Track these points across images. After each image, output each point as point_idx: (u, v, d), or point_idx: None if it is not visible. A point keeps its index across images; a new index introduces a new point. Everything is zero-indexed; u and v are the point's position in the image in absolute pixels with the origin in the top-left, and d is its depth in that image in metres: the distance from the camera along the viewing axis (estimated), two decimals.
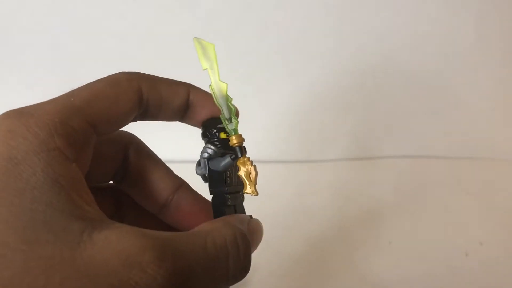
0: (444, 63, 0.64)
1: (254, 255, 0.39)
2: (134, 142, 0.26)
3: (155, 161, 0.26)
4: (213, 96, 0.24)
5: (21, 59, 0.61)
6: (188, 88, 0.25)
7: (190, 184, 0.27)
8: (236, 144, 0.23)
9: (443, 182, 0.63)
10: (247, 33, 0.60)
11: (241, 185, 0.24)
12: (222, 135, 0.24)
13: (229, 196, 0.24)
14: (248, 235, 0.21)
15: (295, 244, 0.51)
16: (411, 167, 0.67)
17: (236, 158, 0.23)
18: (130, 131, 0.26)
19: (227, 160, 0.23)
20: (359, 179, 0.63)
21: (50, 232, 0.16)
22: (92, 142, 0.20)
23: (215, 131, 0.24)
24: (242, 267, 0.20)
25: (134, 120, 0.23)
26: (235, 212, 0.24)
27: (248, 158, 0.23)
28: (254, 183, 0.23)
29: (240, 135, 0.23)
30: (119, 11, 0.58)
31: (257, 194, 0.23)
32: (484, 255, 0.49)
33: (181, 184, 0.26)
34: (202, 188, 0.26)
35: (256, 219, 0.24)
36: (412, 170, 0.66)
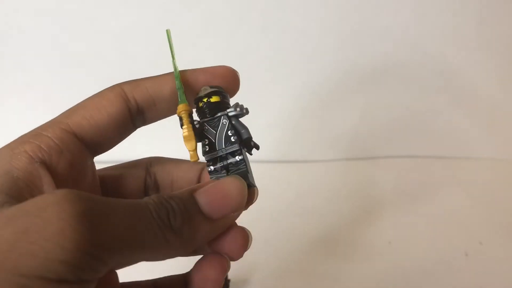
0: (444, 63, 0.64)
1: (254, 255, 0.39)
2: (154, 161, 0.26)
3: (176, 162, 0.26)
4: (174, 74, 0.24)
5: (21, 59, 0.61)
6: (171, 75, 0.25)
7: None
8: (182, 113, 0.23)
9: (443, 182, 0.63)
10: (247, 33, 0.60)
11: (230, 146, 0.23)
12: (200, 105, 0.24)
13: (209, 164, 0.24)
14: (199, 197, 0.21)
15: (295, 244, 0.51)
16: (411, 167, 0.67)
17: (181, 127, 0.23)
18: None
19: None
20: (359, 179, 0.63)
21: None
22: (74, 146, 0.22)
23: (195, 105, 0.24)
24: (171, 212, 0.19)
25: (137, 126, 0.24)
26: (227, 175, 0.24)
27: (190, 122, 0.23)
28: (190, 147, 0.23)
29: (186, 104, 0.23)
30: (119, 11, 0.58)
31: (195, 159, 0.23)
32: (484, 255, 0.49)
33: (203, 167, 0.26)
34: None
35: (214, 183, 0.22)
36: (412, 170, 0.66)
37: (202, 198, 0.21)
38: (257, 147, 0.25)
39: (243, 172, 0.24)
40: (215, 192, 0.21)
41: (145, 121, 0.24)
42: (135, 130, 0.25)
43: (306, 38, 0.61)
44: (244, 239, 0.24)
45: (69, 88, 0.63)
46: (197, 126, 0.24)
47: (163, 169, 0.26)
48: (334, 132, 0.68)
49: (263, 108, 0.65)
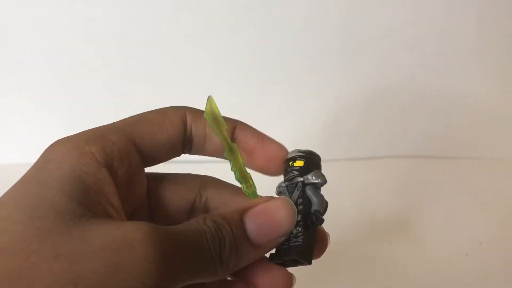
0: (444, 63, 0.64)
1: None
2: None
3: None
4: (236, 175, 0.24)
5: (21, 59, 0.61)
6: (235, 124, 0.25)
7: None
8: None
9: (443, 182, 0.63)
10: (247, 34, 0.60)
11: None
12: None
13: None
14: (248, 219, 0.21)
15: None
16: (411, 167, 0.67)
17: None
18: None
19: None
20: (359, 179, 0.63)
21: (53, 211, 0.17)
22: (133, 156, 0.22)
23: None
24: (223, 243, 0.20)
25: (183, 152, 0.24)
26: None
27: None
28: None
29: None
30: (119, 11, 0.58)
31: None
32: (484, 255, 0.49)
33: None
34: None
35: (271, 202, 0.22)
36: (412, 170, 0.66)
37: (251, 223, 0.21)
38: (320, 222, 0.24)
39: (297, 246, 0.22)
40: (265, 217, 0.21)
41: (189, 151, 0.25)
42: (179, 156, 0.25)
43: (306, 38, 0.61)
44: (287, 285, 0.23)
45: (69, 88, 0.63)
46: (279, 189, 0.24)
47: (218, 196, 0.25)
48: (334, 132, 0.68)
49: (262, 109, 0.65)
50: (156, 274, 0.17)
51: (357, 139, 0.68)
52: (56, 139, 0.21)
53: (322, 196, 0.24)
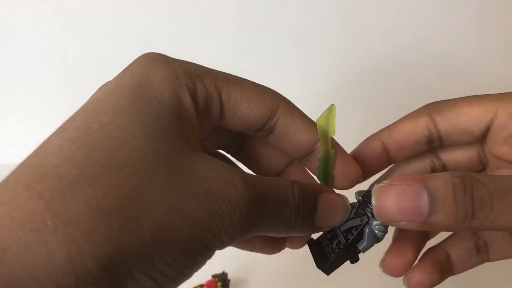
0: (444, 63, 0.64)
1: (254, 255, 0.39)
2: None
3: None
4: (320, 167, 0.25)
5: (21, 59, 0.61)
6: (279, 102, 0.24)
7: None
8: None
9: None
10: (247, 33, 0.60)
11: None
12: None
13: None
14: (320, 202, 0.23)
15: None
16: None
17: None
18: None
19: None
20: None
21: (166, 136, 0.18)
22: (215, 110, 0.22)
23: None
24: (300, 221, 0.22)
25: (260, 134, 0.24)
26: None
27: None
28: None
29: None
30: (119, 11, 0.59)
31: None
32: None
33: (293, 161, 0.26)
34: None
35: (339, 197, 0.24)
36: None
37: (320, 208, 0.22)
38: (354, 261, 0.27)
39: (328, 259, 0.26)
40: (331, 208, 0.23)
41: (266, 138, 0.24)
42: (253, 134, 0.24)
43: (306, 38, 0.61)
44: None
45: (69, 88, 0.63)
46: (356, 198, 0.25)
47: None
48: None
49: None
50: (246, 224, 0.19)
51: (357, 139, 0.68)
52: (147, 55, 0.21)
53: (371, 245, 0.26)
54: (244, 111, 0.22)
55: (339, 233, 0.25)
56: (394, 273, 0.28)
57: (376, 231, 0.24)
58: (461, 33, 0.62)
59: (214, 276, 0.44)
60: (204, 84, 0.21)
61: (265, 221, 0.20)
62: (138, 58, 0.21)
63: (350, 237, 0.24)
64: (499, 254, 0.26)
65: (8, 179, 0.16)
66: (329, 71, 0.64)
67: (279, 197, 0.20)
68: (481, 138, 0.25)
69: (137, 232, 0.15)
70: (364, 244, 0.25)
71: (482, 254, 0.26)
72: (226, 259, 0.50)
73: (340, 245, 0.25)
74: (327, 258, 0.26)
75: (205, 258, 0.18)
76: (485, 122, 0.24)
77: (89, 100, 0.19)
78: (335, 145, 0.25)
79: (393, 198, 0.20)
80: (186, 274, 0.18)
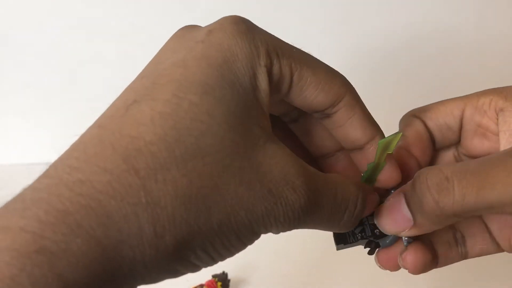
0: (444, 62, 0.64)
1: (254, 255, 0.39)
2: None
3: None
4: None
5: (22, 59, 0.61)
6: (345, 92, 0.24)
7: None
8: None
9: None
10: None
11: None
12: None
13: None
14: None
15: (295, 244, 0.51)
16: None
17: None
18: None
19: None
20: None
21: (241, 125, 0.19)
22: (286, 84, 0.22)
23: None
24: (350, 223, 0.23)
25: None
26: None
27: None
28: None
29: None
30: (119, 11, 0.59)
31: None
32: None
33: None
34: None
35: (376, 197, 0.25)
36: None
37: (378, 216, 0.25)
38: (372, 253, 0.29)
39: (343, 240, 0.29)
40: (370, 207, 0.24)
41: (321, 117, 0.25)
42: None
43: (306, 38, 0.61)
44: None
45: (69, 88, 0.63)
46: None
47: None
48: None
49: None
50: (292, 224, 0.20)
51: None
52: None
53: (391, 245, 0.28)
54: (310, 94, 0.23)
55: (366, 223, 0.27)
56: (389, 267, 0.29)
57: (403, 238, 0.26)
58: (462, 28, 0.62)
59: (214, 276, 0.44)
60: (280, 64, 0.21)
61: (316, 221, 0.22)
62: (224, 21, 0.22)
63: (377, 232, 0.26)
64: (477, 247, 0.27)
65: (104, 144, 0.17)
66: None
67: (339, 203, 0.22)
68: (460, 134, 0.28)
69: (208, 219, 0.18)
70: (387, 242, 0.27)
71: (461, 246, 0.27)
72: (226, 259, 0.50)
73: (363, 233, 0.27)
74: (346, 241, 0.29)
75: (252, 243, 0.20)
76: (458, 116, 0.27)
77: (173, 61, 0.20)
78: (389, 157, 0.25)
79: (385, 214, 0.24)
80: (234, 253, 0.20)
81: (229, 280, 0.44)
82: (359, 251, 0.51)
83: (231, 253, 0.20)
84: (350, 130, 0.24)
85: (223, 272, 0.44)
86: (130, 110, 0.18)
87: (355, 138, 0.25)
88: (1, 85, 0.63)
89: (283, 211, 0.19)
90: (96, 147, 0.17)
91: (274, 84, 0.21)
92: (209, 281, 0.43)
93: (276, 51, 0.21)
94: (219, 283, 0.43)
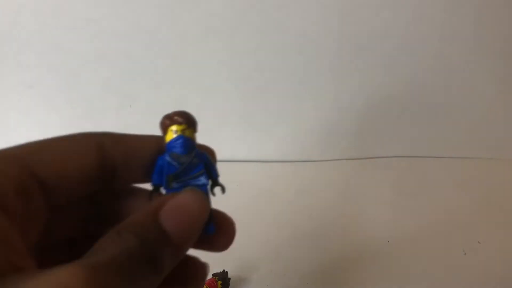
0: (444, 62, 0.64)
1: (254, 255, 0.39)
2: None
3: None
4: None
5: (22, 59, 0.61)
6: (158, 138, 0.21)
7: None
8: None
9: (443, 182, 0.63)
10: (247, 34, 0.60)
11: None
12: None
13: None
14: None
15: (295, 244, 0.52)
16: (411, 167, 0.67)
17: None
18: None
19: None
20: (359, 179, 0.63)
21: None
22: (33, 191, 0.18)
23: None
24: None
25: (106, 186, 0.21)
26: None
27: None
28: None
29: None
30: (119, 11, 0.59)
31: None
32: (482, 254, 0.50)
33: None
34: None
35: (181, 197, 0.19)
36: (412, 170, 0.66)
37: (169, 222, 0.18)
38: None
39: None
40: (180, 212, 0.19)
41: (110, 184, 0.21)
42: (101, 188, 0.21)
43: (306, 38, 0.61)
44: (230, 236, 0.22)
45: (69, 88, 0.63)
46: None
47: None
48: (334, 132, 0.68)
49: (262, 109, 0.66)
50: None
51: (357, 139, 0.68)
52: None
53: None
54: (69, 170, 0.19)
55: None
56: None
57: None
58: (461, 34, 0.62)
59: (214, 275, 0.44)
60: (4, 173, 0.17)
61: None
62: None
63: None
64: None
65: None
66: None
67: (123, 266, 0.16)
68: None
69: None
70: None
71: None
72: (226, 258, 0.50)
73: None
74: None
75: None
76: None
77: None
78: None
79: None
80: None
81: (229, 279, 0.45)
82: (359, 250, 0.51)
83: None
84: (140, 160, 0.21)
85: (224, 271, 0.44)
86: None
87: (150, 154, 0.21)
88: (2, 85, 0.63)
89: None
90: None
91: (18, 196, 0.17)
92: (210, 279, 0.43)
93: None
94: (219, 282, 0.43)
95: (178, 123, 0.21)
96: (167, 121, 0.21)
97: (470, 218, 0.55)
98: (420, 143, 0.69)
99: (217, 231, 0.21)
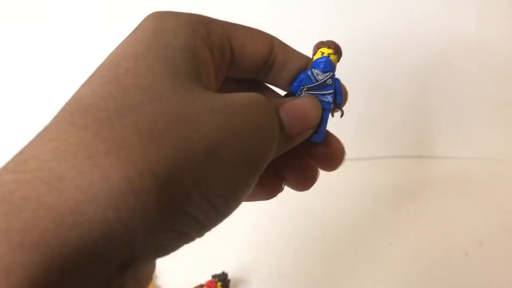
0: (444, 62, 0.64)
1: (254, 255, 0.39)
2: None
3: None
4: None
5: (22, 58, 0.61)
6: (308, 59, 0.26)
7: None
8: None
9: (443, 182, 0.63)
10: None
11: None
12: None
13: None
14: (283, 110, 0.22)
15: (295, 244, 0.51)
16: (411, 167, 0.67)
17: None
18: None
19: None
20: (359, 179, 0.63)
21: (187, 74, 0.18)
22: (227, 52, 0.23)
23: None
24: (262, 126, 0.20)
25: (259, 76, 0.25)
26: None
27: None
28: None
29: None
30: (119, 11, 0.59)
31: None
32: (484, 255, 0.49)
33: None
34: None
35: (301, 100, 0.23)
36: (412, 170, 0.66)
37: (286, 116, 0.22)
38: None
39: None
40: (296, 111, 0.22)
41: (267, 78, 0.26)
42: (255, 77, 0.26)
43: (306, 38, 0.61)
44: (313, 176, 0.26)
45: (69, 88, 0.63)
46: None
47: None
48: (335, 132, 0.68)
49: None
50: (278, 138, 0.20)
51: (357, 139, 0.68)
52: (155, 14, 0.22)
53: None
54: (251, 49, 0.23)
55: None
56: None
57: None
58: (462, 25, 0.62)
59: (214, 276, 0.44)
60: (214, 29, 0.22)
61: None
62: (146, 16, 0.22)
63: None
64: None
65: (48, 124, 0.16)
66: None
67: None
68: None
69: (190, 149, 0.15)
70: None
71: None
72: (226, 259, 0.50)
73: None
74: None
75: (254, 181, 0.18)
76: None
77: (107, 57, 0.19)
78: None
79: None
80: (240, 197, 0.18)
81: (229, 280, 0.44)
82: (359, 251, 0.51)
83: (234, 195, 0.17)
84: (293, 67, 0.25)
85: (223, 272, 0.44)
86: (70, 98, 0.17)
87: (299, 68, 0.25)
88: (1, 85, 0.63)
89: (268, 121, 0.19)
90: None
91: (216, 48, 0.22)
92: (209, 281, 0.43)
93: (207, 20, 0.22)
94: (219, 283, 0.43)
95: (328, 47, 0.26)
96: (320, 44, 0.26)
97: (471, 219, 0.55)
98: (420, 143, 0.69)
99: (325, 142, 0.25)
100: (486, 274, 0.47)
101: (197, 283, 0.43)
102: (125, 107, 0.15)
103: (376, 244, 0.51)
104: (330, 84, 0.25)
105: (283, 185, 0.26)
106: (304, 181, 0.26)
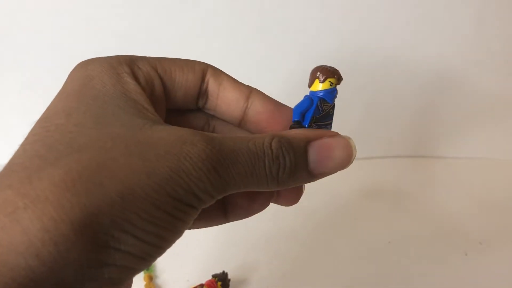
0: (444, 62, 0.64)
1: (254, 255, 0.39)
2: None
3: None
4: None
5: (22, 59, 0.61)
6: (250, 90, 0.26)
7: None
8: None
9: (443, 182, 0.63)
10: (246, 33, 0.60)
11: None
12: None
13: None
14: (313, 146, 0.22)
15: (295, 244, 0.52)
16: (411, 167, 0.67)
17: None
18: None
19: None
20: (359, 179, 0.63)
21: (118, 121, 0.19)
22: (157, 84, 0.23)
23: None
24: (282, 168, 0.21)
25: (198, 104, 0.25)
26: None
27: None
28: None
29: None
30: (119, 11, 0.59)
31: None
32: (484, 255, 0.49)
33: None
34: None
35: (335, 140, 0.23)
36: (412, 170, 0.66)
37: (314, 154, 0.22)
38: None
39: None
40: (328, 152, 0.22)
41: (205, 106, 0.26)
42: (194, 107, 0.26)
43: (306, 38, 0.61)
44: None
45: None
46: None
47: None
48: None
49: None
50: (212, 180, 0.19)
51: (357, 139, 0.68)
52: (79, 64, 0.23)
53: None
54: (181, 79, 0.24)
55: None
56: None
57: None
58: (460, 33, 0.62)
59: (214, 276, 0.44)
60: (138, 66, 0.23)
61: (240, 175, 0.20)
62: (74, 67, 0.23)
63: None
64: None
65: None
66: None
67: (252, 152, 0.20)
68: None
69: (104, 194, 0.16)
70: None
71: None
72: (226, 259, 0.50)
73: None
74: None
75: (187, 215, 0.19)
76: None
77: (43, 112, 0.21)
78: (256, 98, 0.27)
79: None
80: (171, 229, 0.18)
81: (229, 280, 0.44)
82: (359, 251, 0.51)
83: (165, 229, 0.18)
84: (227, 95, 0.25)
85: (223, 272, 0.44)
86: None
87: (234, 99, 0.25)
88: (1, 85, 0.63)
89: (191, 164, 0.18)
90: None
91: (146, 84, 0.22)
92: (209, 280, 0.43)
93: (130, 59, 0.23)
94: (219, 283, 0.43)
95: (337, 78, 0.25)
96: (329, 73, 0.25)
97: (471, 219, 0.55)
98: (420, 143, 0.69)
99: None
100: (485, 274, 0.47)
101: (197, 283, 0.43)
102: (46, 162, 0.17)
103: (376, 244, 0.51)
104: (331, 114, 0.25)
105: (272, 199, 0.26)
106: (289, 198, 0.27)
